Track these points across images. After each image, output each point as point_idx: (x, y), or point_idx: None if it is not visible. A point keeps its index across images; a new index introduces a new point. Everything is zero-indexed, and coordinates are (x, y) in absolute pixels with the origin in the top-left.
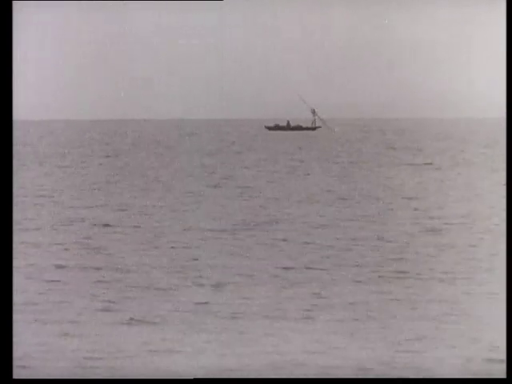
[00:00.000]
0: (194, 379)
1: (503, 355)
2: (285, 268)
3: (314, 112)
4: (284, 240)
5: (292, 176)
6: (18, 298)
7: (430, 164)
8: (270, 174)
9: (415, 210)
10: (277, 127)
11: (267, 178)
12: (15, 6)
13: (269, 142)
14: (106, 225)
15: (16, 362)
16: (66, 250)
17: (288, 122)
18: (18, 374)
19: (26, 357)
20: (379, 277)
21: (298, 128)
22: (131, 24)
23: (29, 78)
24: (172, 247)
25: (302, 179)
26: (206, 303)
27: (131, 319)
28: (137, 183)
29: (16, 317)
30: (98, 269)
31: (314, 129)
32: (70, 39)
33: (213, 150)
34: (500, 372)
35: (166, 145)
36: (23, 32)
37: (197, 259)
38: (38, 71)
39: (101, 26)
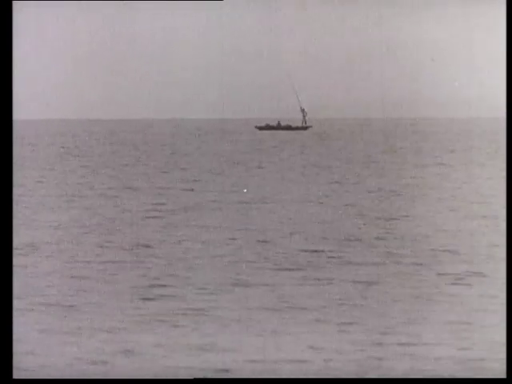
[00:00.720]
0: (194, 379)
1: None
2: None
3: (303, 111)
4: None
5: (304, 176)
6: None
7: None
8: (289, 174)
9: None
10: (267, 127)
11: (287, 178)
12: (15, 6)
13: (281, 142)
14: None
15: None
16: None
17: (278, 122)
18: (18, 374)
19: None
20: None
21: (289, 128)
22: (130, 24)
23: (29, 77)
24: (201, 244)
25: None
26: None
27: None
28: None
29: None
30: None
31: (305, 128)
32: (70, 39)
33: (223, 149)
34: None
35: (173, 144)
36: (23, 32)
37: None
38: (38, 71)
39: (100, 26)
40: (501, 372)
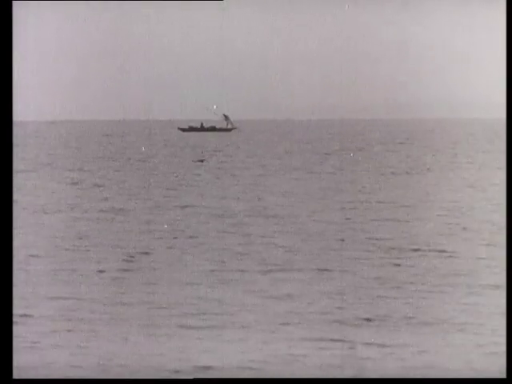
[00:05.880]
0: (194, 379)
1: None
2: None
3: (226, 117)
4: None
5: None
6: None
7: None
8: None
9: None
10: (191, 128)
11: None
12: (15, 5)
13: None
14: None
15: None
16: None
17: (201, 124)
18: (18, 373)
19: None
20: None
21: (213, 129)
22: (131, 24)
23: (29, 78)
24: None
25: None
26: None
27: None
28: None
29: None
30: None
31: (229, 130)
32: (70, 39)
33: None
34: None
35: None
36: (23, 32)
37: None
38: (38, 71)
39: (100, 25)
40: (501, 372)
